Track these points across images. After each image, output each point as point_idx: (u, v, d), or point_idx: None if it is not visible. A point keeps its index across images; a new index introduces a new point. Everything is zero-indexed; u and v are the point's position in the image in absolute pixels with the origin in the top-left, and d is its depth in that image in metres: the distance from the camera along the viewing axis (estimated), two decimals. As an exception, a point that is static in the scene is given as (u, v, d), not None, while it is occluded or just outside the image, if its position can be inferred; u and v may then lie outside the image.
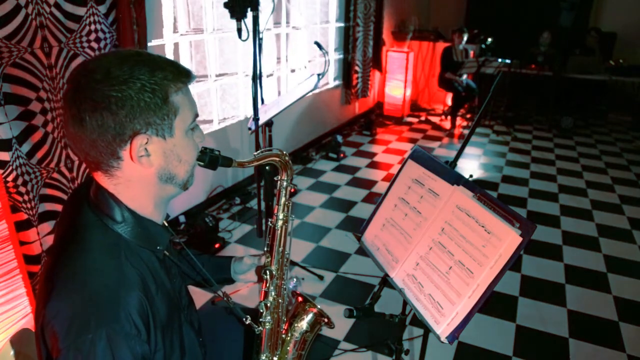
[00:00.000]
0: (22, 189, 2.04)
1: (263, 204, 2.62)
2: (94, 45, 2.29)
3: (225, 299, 1.16)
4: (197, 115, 0.92)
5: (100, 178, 0.88)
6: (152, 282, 0.90)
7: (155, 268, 0.93)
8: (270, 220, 1.19)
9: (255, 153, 1.07)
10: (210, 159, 0.97)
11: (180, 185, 0.94)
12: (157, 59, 0.84)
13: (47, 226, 2.24)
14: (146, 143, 0.84)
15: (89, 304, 0.79)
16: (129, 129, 0.81)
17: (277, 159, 1.11)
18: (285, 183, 1.16)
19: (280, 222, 1.17)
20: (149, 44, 2.70)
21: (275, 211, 1.17)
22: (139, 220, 0.90)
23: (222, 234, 3.18)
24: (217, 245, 3.03)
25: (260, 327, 1.18)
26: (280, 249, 1.19)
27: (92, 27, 2.26)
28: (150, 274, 0.90)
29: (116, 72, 0.79)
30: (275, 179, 1.16)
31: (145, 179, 0.88)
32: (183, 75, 0.86)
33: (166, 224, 1.01)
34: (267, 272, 1.18)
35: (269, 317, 1.17)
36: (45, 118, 2.13)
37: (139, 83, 0.80)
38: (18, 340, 1.21)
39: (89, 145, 0.82)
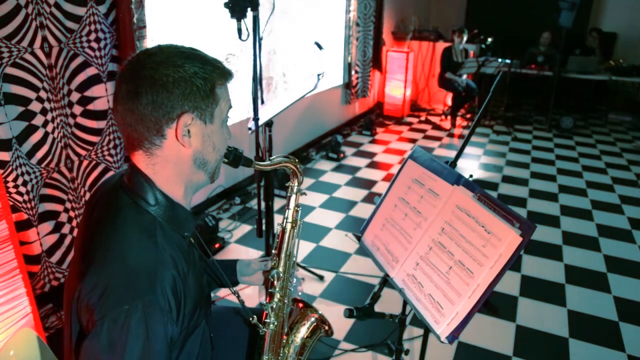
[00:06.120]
0: (22, 189, 2.05)
1: (263, 204, 2.62)
2: (94, 45, 2.29)
3: (236, 295, 1.19)
4: (230, 107, 0.99)
5: (139, 158, 0.92)
6: (184, 264, 0.93)
7: (187, 251, 0.97)
8: (279, 223, 1.24)
9: (272, 158, 1.15)
10: (234, 156, 1.05)
11: (210, 174, 0.99)
12: (207, 56, 0.94)
13: (47, 226, 2.25)
14: (190, 124, 0.90)
15: (126, 276, 0.82)
16: (179, 108, 0.87)
17: (291, 165, 1.18)
18: (295, 189, 1.22)
19: (289, 226, 1.21)
20: (149, 44, 2.70)
21: (285, 215, 1.22)
22: (171, 203, 0.95)
23: (222, 234, 3.18)
24: (217, 245, 3.03)
25: (264, 328, 1.19)
26: (288, 252, 1.22)
27: (92, 27, 2.26)
28: (181, 255, 0.93)
29: (174, 58, 0.88)
30: (287, 184, 1.23)
31: (181, 160, 0.93)
32: (227, 73, 0.95)
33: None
34: (275, 274, 1.20)
35: (273, 319, 1.19)
36: (45, 118, 2.13)
37: (194, 69, 0.88)
38: (18, 340, 1.21)
39: (138, 120, 0.87)
